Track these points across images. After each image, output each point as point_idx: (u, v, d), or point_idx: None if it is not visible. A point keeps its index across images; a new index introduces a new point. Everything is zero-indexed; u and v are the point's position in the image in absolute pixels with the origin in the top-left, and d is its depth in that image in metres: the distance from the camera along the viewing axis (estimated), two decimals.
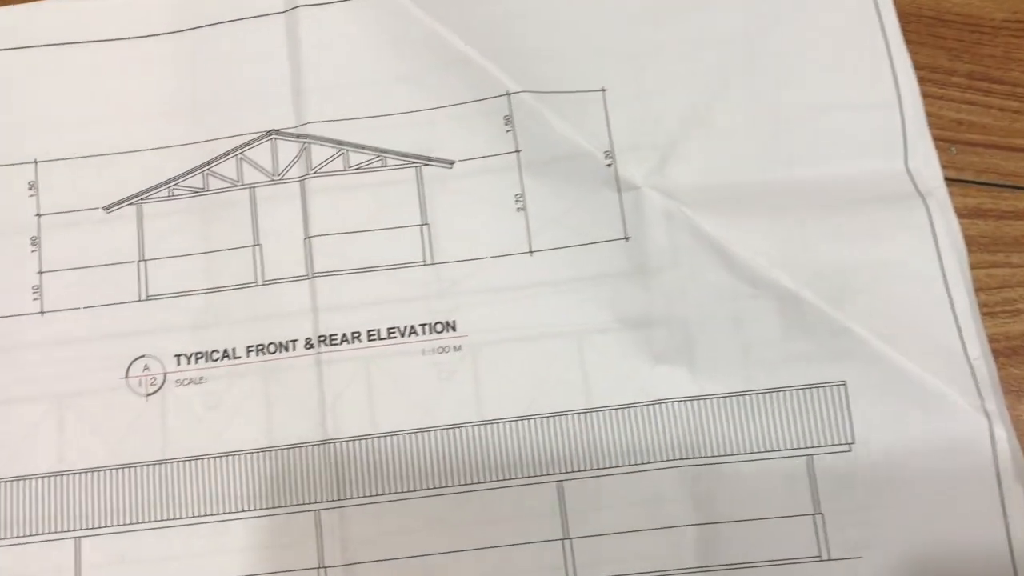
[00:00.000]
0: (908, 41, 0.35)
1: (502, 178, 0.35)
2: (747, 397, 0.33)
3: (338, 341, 0.34)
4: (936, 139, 0.35)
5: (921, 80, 0.35)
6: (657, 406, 0.33)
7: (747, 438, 0.33)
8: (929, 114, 0.35)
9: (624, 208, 0.34)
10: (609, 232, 0.34)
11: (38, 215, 0.36)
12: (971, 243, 0.34)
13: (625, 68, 0.36)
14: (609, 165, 0.34)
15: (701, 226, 0.34)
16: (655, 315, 0.34)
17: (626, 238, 0.34)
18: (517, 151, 0.35)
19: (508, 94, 0.35)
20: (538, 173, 0.35)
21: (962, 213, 0.34)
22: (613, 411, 0.33)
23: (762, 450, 0.33)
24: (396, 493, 0.33)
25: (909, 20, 0.36)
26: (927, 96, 0.35)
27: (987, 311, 0.33)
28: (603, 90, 0.35)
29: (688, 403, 0.33)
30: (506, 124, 0.35)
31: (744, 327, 0.33)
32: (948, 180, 0.34)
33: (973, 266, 0.33)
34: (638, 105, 0.35)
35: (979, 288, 0.34)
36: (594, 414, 0.33)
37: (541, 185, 0.35)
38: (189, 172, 0.36)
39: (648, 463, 0.33)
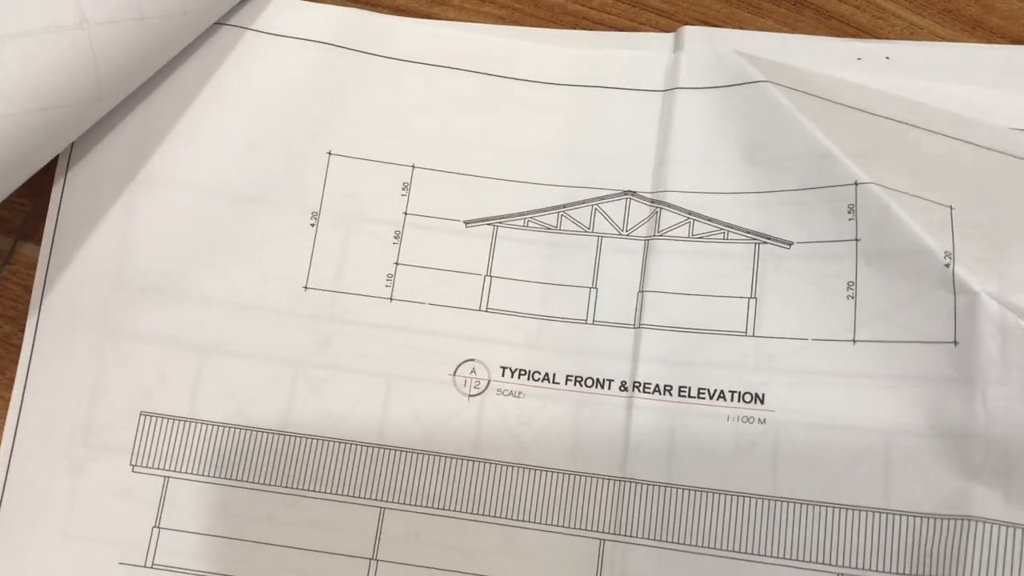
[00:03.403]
0: None
1: (836, 264, 0.36)
2: None
3: (651, 390, 0.37)
4: None
5: None
6: (965, 522, 0.33)
7: None
8: None
9: (957, 311, 0.34)
10: (937, 334, 0.35)
11: (405, 213, 0.39)
12: None
13: (974, 191, 0.37)
14: (947, 265, 0.35)
15: None
16: (974, 428, 0.34)
17: (955, 342, 0.34)
18: (856, 239, 0.36)
19: (856, 183, 0.36)
20: (874, 264, 0.36)
21: None
22: (914, 518, 0.34)
23: None
24: (680, 543, 0.35)
25: None
26: None
27: None
28: (951, 207, 0.36)
29: (1001, 528, 0.33)
30: (849, 213, 0.36)
31: None
32: None
33: None
34: (984, 228, 0.36)
35: None
36: (892, 516, 0.34)
37: (875, 276, 0.36)
38: (547, 209, 0.39)
39: None
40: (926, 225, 0.35)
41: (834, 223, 0.37)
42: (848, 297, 0.36)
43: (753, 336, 0.37)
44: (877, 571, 0.34)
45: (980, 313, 0.34)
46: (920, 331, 0.35)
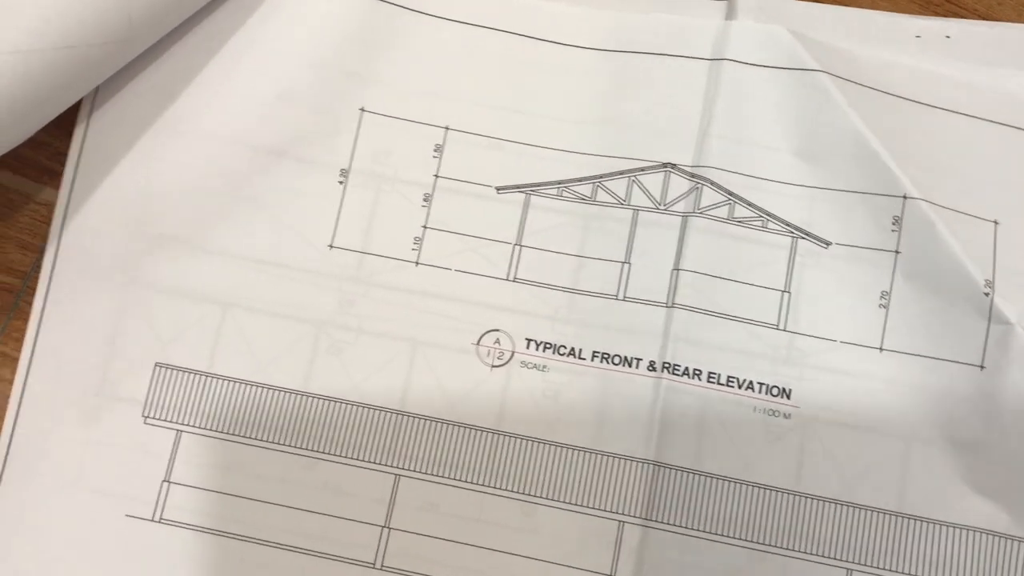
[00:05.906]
0: None
1: (873, 271, 0.37)
2: None
3: (680, 373, 0.36)
4: None
5: None
6: (973, 533, 0.34)
7: None
8: None
9: (989, 339, 0.35)
10: (965, 356, 0.35)
11: (436, 176, 0.38)
12: None
13: (1020, 206, 0.37)
14: (987, 294, 0.35)
15: None
16: (990, 447, 0.35)
17: (981, 367, 0.35)
18: (897, 251, 0.36)
19: (905, 197, 0.36)
20: (911, 278, 0.36)
21: None
22: (926, 523, 0.35)
23: None
24: (701, 531, 0.35)
25: None
26: None
27: None
28: (995, 222, 0.37)
29: (1005, 540, 0.34)
30: (893, 224, 0.36)
31: None
32: None
33: None
34: None
35: None
36: (906, 520, 0.35)
37: (910, 290, 0.36)
38: (581, 179, 0.38)
39: None
40: (970, 245, 0.35)
41: (876, 231, 0.36)
42: (880, 306, 0.36)
43: (784, 330, 0.36)
44: (887, 570, 0.35)
45: (1013, 344, 0.35)
46: (948, 350, 0.36)
